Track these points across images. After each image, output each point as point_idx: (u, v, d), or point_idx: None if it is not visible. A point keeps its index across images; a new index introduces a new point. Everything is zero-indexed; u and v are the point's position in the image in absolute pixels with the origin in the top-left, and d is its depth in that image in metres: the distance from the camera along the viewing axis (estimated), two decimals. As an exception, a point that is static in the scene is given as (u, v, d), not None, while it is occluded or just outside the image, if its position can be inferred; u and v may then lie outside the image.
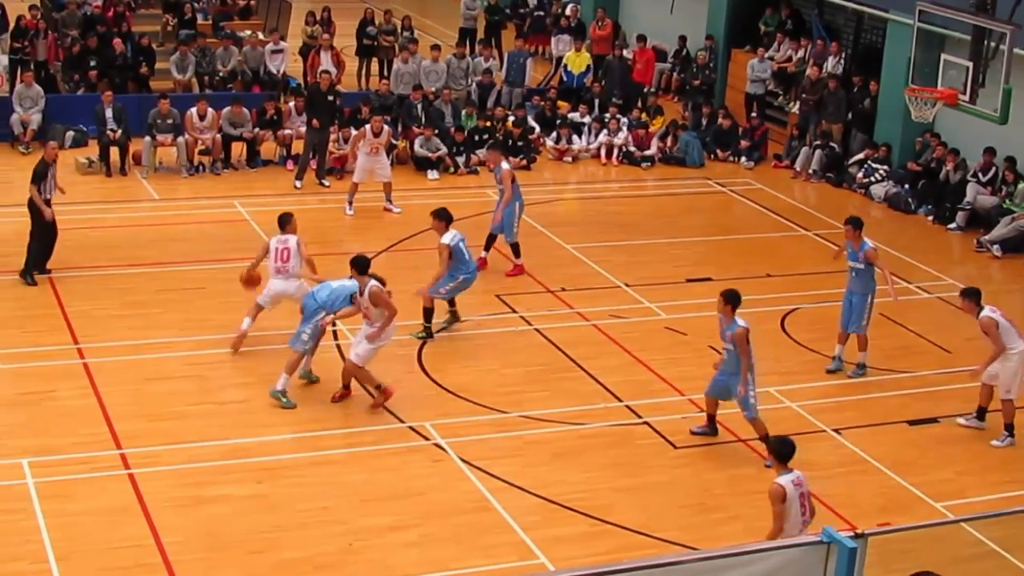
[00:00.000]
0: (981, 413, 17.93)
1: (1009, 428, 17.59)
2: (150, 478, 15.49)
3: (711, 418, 17.22)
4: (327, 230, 24.02)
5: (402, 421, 17.13)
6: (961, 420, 18.07)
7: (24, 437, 16.30)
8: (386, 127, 25.53)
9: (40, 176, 20.94)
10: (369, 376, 17.38)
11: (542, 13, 38.85)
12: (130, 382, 17.86)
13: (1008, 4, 18.36)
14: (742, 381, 16.38)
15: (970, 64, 18.73)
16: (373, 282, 17.02)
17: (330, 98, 27.22)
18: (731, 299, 16.54)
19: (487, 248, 22.48)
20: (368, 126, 24.85)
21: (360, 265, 17.17)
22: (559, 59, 35.39)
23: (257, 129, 27.76)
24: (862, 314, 18.97)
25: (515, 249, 22.31)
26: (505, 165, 22.35)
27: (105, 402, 17.18)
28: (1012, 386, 17.43)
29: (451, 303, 20.07)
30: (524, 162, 28.83)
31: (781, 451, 12.75)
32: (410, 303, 19.38)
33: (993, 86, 18.59)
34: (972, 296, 17.65)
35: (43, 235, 21.09)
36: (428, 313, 19.77)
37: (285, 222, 18.95)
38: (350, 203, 24.94)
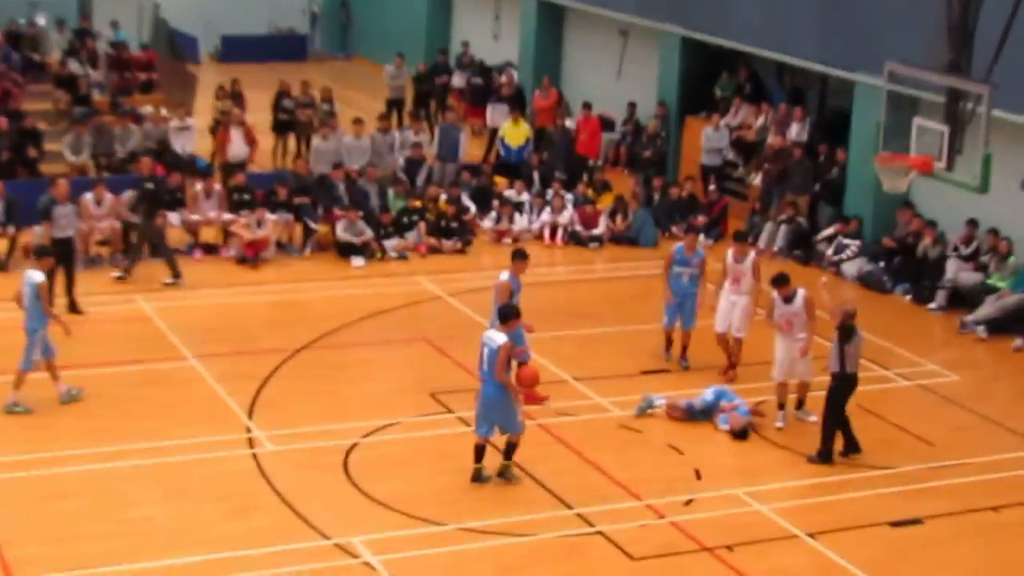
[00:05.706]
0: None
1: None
2: (45, 610, 15.39)
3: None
4: (243, 326, 24.02)
5: (327, 538, 17.05)
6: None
7: (-97, 567, 16.15)
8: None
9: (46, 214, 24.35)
10: None
11: (480, 81, 38.99)
12: (22, 502, 17.70)
13: (984, 62, 18.56)
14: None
15: (945, 128, 18.90)
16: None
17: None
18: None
19: None
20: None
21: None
22: (494, 131, 35.61)
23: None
24: None
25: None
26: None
27: (-6, 525, 17.07)
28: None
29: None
30: (459, 245, 28.96)
31: None
32: (340, 405, 19.25)
33: (972, 152, 18.72)
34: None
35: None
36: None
37: None
38: None
